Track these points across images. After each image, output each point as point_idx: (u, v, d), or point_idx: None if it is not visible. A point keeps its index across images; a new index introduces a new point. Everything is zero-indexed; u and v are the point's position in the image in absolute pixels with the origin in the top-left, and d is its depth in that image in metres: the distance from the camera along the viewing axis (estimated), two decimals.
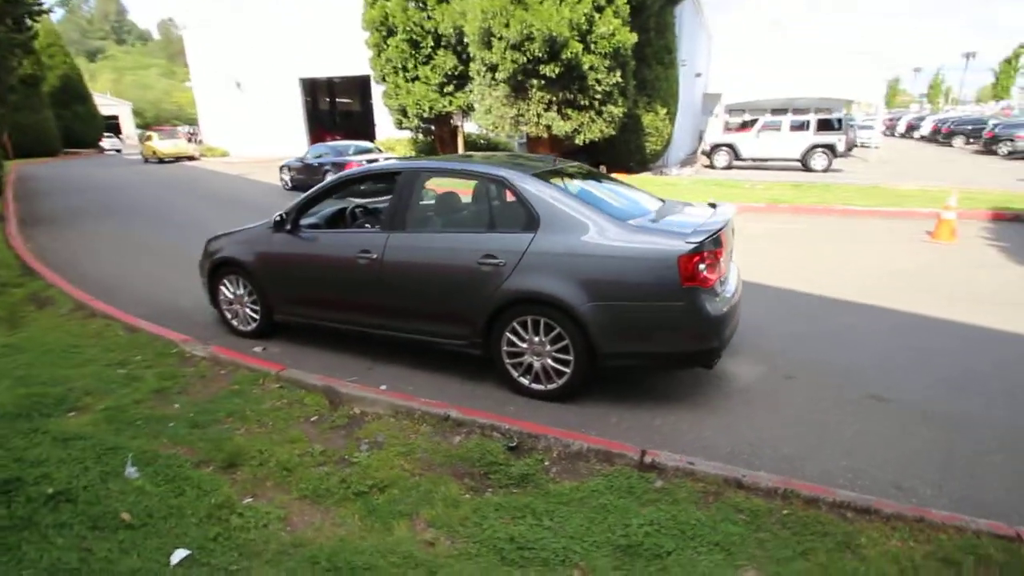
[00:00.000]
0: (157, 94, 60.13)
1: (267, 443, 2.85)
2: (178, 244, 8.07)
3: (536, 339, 3.25)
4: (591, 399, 3.33)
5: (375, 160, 13.16)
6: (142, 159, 26.01)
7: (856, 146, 19.89)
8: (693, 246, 2.89)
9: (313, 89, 29.32)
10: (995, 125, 25.68)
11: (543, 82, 11.19)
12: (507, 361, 3.38)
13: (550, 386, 3.31)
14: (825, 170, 17.14)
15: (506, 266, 3.20)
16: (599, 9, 10.75)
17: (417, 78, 13.83)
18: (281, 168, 15.18)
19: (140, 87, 58.65)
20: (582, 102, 11.54)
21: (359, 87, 31.31)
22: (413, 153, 15.90)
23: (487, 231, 3.36)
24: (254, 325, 4.42)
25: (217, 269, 4.45)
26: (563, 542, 2.08)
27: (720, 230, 3.03)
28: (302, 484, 2.51)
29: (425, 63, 13.67)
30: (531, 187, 3.27)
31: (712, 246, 2.97)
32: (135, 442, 2.79)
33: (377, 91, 22.83)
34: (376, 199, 4.85)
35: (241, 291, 4.38)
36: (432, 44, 13.50)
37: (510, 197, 3.38)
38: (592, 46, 10.84)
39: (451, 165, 3.72)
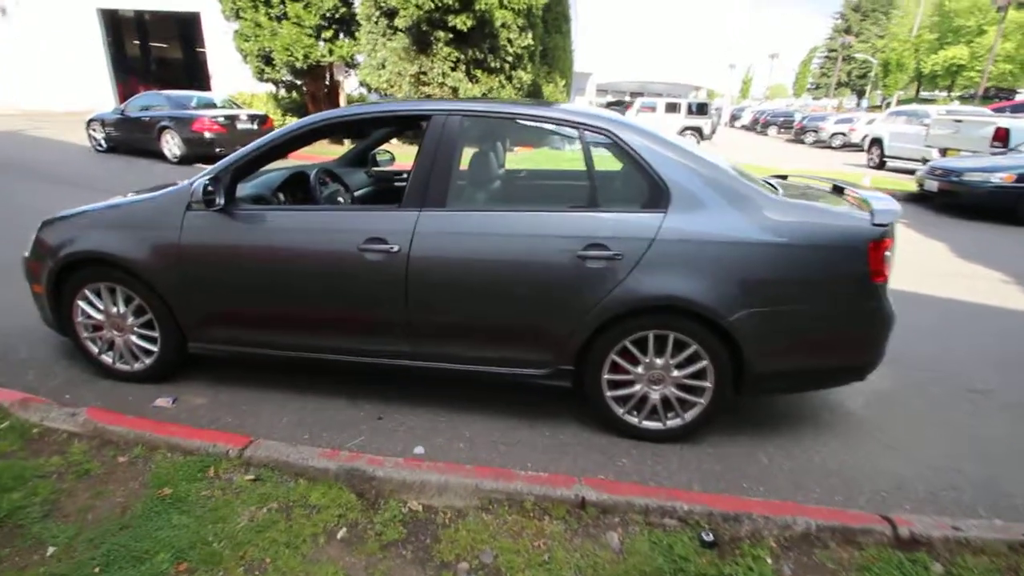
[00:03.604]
0: None
1: None
2: None
3: (658, 361, 2.31)
4: (709, 432, 2.51)
5: (234, 116, 10.51)
6: None
7: (713, 131, 21.75)
8: (882, 229, 2.18)
9: (117, 27, 23.19)
10: (803, 118, 30.42)
11: (451, 36, 9.80)
12: (609, 394, 2.39)
13: (671, 423, 2.41)
14: None
15: (623, 260, 2.18)
16: None
17: (285, 16, 11.18)
18: (89, 123, 11.48)
19: None
20: (492, 64, 10.42)
21: (181, 27, 25.69)
22: (279, 113, 13.19)
23: (587, 209, 2.27)
24: (148, 361, 2.74)
25: (69, 272, 2.64)
26: None
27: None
28: None
29: None
30: (651, 144, 2.26)
31: (893, 232, 2.30)
32: None
33: (213, 33, 18.87)
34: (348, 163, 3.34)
35: (120, 307, 2.66)
36: None
37: (620, 159, 2.34)
38: (506, 1, 9.74)
39: (515, 109, 2.49)
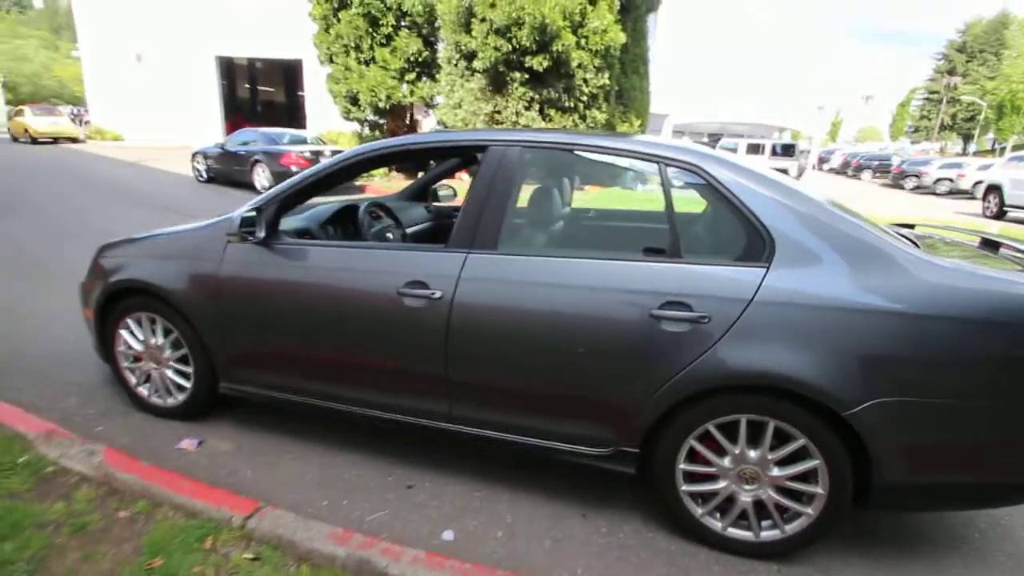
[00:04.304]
0: (35, 68, 51.42)
1: None
2: (38, 246, 5.75)
3: (752, 454, 1.82)
4: (815, 547, 1.94)
5: (319, 151, 11.07)
6: (10, 138, 21.46)
7: (800, 174, 20.51)
8: None
9: (231, 73, 25.90)
10: (902, 162, 27.96)
11: (527, 76, 9.85)
12: (685, 488, 1.92)
13: (766, 534, 1.88)
14: None
15: (710, 325, 1.74)
16: (592, 1, 9.64)
17: (373, 60, 11.85)
18: (194, 156, 12.58)
19: (14, 59, 49.74)
20: (567, 103, 10.34)
21: (285, 74, 28.26)
22: None
23: (666, 259, 1.88)
24: (181, 397, 2.59)
25: (116, 299, 2.58)
26: None
27: None
28: None
29: (384, 44, 11.76)
30: (750, 183, 1.85)
31: None
32: None
33: (311, 78, 20.51)
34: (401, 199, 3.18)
35: (159, 339, 2.55)
36: (394, 23, 11.66)
37: (709, 200, 1.95)
38: (583, 41, 9.69)
39: (584, 140, 2.19)
